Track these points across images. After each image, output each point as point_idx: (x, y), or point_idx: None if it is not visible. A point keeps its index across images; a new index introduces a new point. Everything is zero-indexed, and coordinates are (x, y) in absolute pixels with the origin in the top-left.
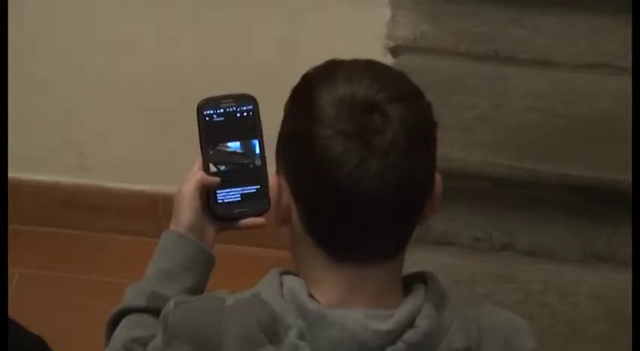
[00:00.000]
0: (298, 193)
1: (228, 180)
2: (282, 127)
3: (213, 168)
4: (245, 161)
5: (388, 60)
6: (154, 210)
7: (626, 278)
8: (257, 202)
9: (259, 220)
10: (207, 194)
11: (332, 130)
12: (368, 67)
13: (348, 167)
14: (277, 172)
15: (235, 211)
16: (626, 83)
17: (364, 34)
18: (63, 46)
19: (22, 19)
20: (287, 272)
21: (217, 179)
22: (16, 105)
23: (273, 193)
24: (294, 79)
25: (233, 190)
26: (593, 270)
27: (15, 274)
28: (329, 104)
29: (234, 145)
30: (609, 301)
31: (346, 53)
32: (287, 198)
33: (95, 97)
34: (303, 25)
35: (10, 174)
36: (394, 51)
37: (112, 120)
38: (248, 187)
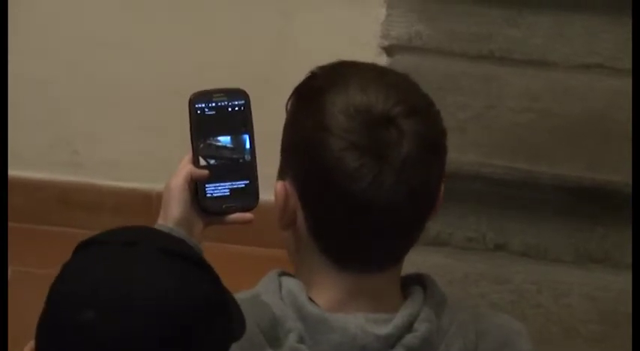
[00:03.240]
0: (307, 200)
1: (217, 174)
2: (289, 132)
3: (202, 162)
4: (235, 156)
5: (383, 59)
6: (147, 208)
7: (619, 279)
8: (245, 198)
9: (247, 215)
10: (195, 188)
11: (345, 142)
12: (381, 76)
13: (363, 182)
14: (282, 177)
15: (224, 206)
16: (621, 84)
17: (359, 34)
18: (57, 43)
19: (16, 17)
20: (285, 273)
21: (206, 172)
22: (9, 102)
23: (279, 199)
24: (290, 78)
25: (222, 184)
26: (587, 271)
27: (8, 272)
28: (342, 113)
29: (225, 140)
30: (603, 302)
31: (342, 52)
32: (294, 203)
33: (89, 95)
34: (299, 25)
35: None
36: (389, 50)
37: (105, 117)
38: (237, 182)
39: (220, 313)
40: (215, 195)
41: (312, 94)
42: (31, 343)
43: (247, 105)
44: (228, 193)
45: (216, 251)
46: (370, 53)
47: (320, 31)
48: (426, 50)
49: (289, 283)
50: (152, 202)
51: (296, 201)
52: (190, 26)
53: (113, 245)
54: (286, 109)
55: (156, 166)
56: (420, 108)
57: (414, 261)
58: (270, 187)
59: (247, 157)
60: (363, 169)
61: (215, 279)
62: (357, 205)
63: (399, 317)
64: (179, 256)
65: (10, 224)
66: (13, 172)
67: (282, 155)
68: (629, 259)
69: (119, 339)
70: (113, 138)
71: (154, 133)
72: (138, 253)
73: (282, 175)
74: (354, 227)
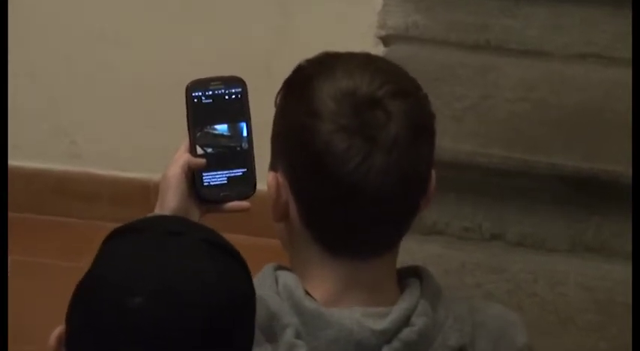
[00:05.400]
0: (299, 188)
1: (214, 163)
2: (279, 122)
3: (200, 150)
4: (232, 144)
5: (380, 49)
6: (145, 198)
7: (615, 268)
8: (243, 186)
9: (245, 203)
10: (193, 176)
11: (334, 125)
12: (367, 61)
13: (352, 164)
14: (273, 169)
15: (221, 194)
16: (617, 74)
17: (356, 24)
18: (55, 34)
19: (14, 8)
20: (281, 267)
21: (203, 161)
22: (7, 93)
23: (271, 191)
24: (288, 70)
25: (219, 172)
26: (583, 260)
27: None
28: (330, 98)
29: (222, 128)
30: (598, 292)
31: (339, 43)
32: (285, 194)
33: (87, 85)
34: (298, 16)
35: None
36: (386, 40)
37: (103, 108)
38: (234, 171)
39: (253, 309)
40: (212, 183)
41: (300, 83)
42: (60, 328)
43: (244, 93)
44: (225, 182)
45: None
46: (367, 43)
47: (318, 21)
48: (422, 40)
49: (285, 277)
50: (150, 192)
51: (287, 191)
52: (189, 17)
53: (157, 234)
54: (275, 102)
55: (154, 156)
56: (407, 90)
57: (411, 250)
58: None
59: (244, 145)
60: (352, 150)
61: (249, 274)
62: (347, 189)
63: (396, 311)
64: (221, 249)
65: (8, 214)
66: (11, 162)
67: (272, 146)
68: (626, 249)
69: (163, 327)
70: (111, 128)
71: (152, 123)
72: (184, 243)
73: (273, 166)
74: (346, 213)
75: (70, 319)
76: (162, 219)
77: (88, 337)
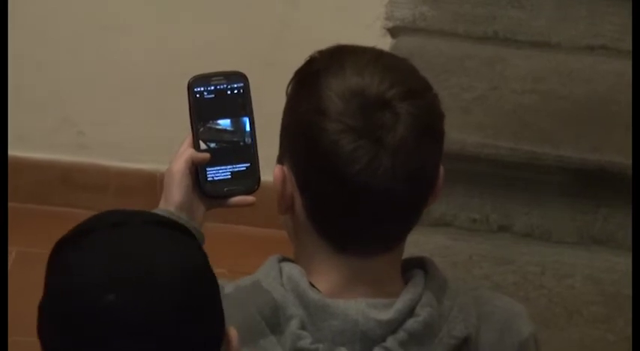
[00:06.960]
0: (304, 184)
1: (218, 158)
2: (287, 116)
3: (203, 145)
4: (235, 139)
5: (387, 41)
6: (152, 189)
7: (622, 261)
8: (247, 181)
9: (249, 198)
10: (197, 172)
11: (341, 125)
12: (377, 59)
13: (359, 165)
14: (280, 161)
15: (225, 189)
16: (625, 66)
17: (363, 15)
18: (61, 24)
19: None
20: (285, 259)
21: (207, 155)
22: (14, 83)
23: (277, 183)
24: (294, 60)
25: (223, 167)
26: (590, 252)
27: (12, 252)
28: (338, 97)
29: (225, 123)
30: (606, 284)
31: (345, 34)
32: (291, 187)
33: (94, 76)
34: (303, 7)
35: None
36: (393, 32)
37: (110, 99)
38: (238, 165)
39: (214, 280)
40: (216, 178)
41: (310, 77)
42: None
43: (246, 88)
44: (229, 177)
45: (216, 232)
46: (374, 35)
47: (324, 12)
48: (430, 31)
49: (290, 269)
50: (156, 183)
51: (293, 185)
52: (194, 9)
53: (104, 230)
54: (286, 92)
55: (160, 147)
56: (417, 91)
57: (418, 242)
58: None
59: (248, 140)
60: (359, 151)
61: (200, 244)
62: (352, 189)
63: (401, 302)
64: (169, 227)
65: (14, 204)
66: (19, 153)
67: (280, 139)
68: None
69: (140, 315)
70: (118, 119)
71: (159, 114)
72: (134, 231)
73: (280, 159)
74: (351, 211)
75: (45, 338)
76: (101, 215)
77: (67, 348)
